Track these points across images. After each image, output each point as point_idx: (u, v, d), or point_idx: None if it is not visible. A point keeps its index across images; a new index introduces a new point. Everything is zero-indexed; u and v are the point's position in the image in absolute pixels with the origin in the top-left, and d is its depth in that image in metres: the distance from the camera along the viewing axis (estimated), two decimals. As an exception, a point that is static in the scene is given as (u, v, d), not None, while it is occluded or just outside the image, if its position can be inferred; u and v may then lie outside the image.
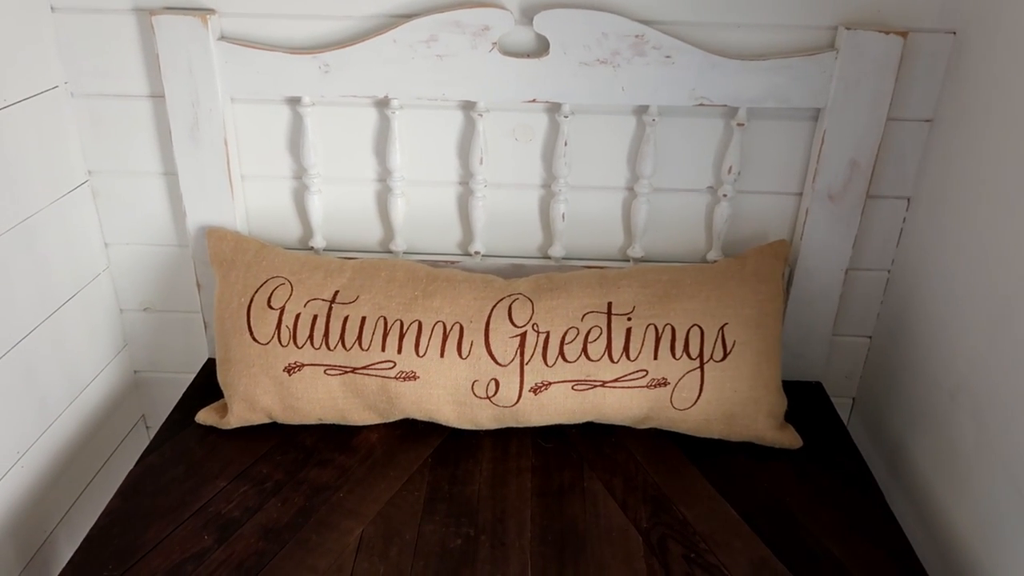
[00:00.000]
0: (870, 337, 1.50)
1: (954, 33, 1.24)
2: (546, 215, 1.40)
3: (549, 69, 1.25)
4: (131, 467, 1.22)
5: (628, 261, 1.42)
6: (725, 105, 1.27)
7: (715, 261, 1.39)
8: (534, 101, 1.27)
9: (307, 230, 1.42)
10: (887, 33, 1.20)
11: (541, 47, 1.25)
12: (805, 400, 1.42)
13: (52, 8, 1.25)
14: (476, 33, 1.23)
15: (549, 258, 1.42)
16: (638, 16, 1.23)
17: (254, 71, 1.26)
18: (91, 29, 1.27)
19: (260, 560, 1.06)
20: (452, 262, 1.40)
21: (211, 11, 1.25)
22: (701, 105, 1.27)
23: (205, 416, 1.30)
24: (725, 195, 1.35)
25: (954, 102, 1.25)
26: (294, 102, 1.31)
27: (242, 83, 1.27)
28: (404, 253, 1.42)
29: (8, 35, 1.17)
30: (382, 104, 1.31)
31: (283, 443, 1.27)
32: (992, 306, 1.12)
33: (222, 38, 1.26)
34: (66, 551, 1.34)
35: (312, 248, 1.41)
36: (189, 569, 1.05)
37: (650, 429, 1.30)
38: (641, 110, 1.30)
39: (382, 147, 1.35)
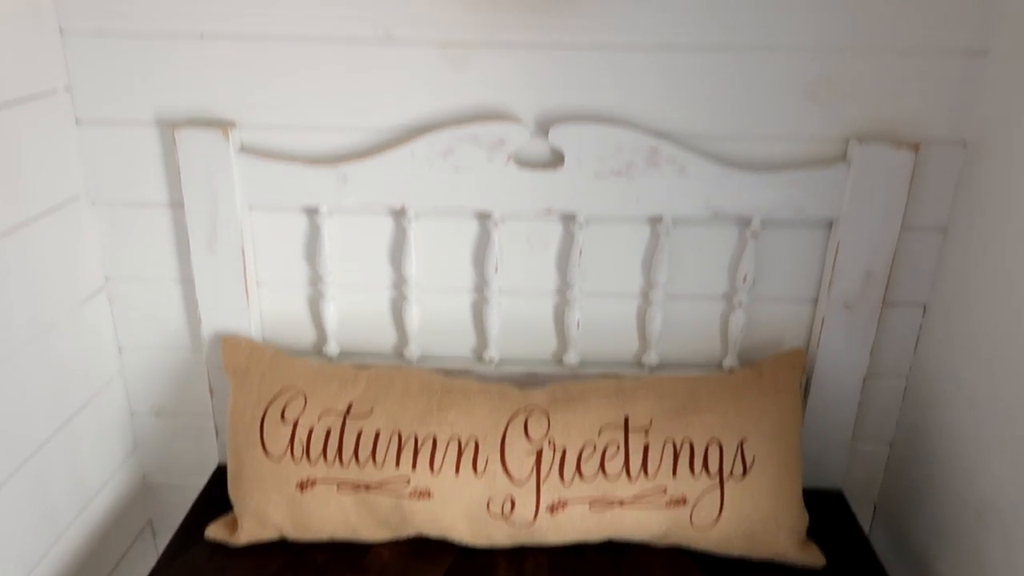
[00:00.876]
0: (890, 445, 1.47)
1: (964, 144, 1.25)
2: (561, 322, 1.39)
3: (564, 180, 1.26)
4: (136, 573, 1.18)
5: (644, 368, 1.40)
6: (739, 215, 1.27)
7: (731, 368, 1.38)
8: (549, 211, 1.28)
9: (321, 336, 1.41)
10: (898, 146, 1.21)
11: (556, 159, 1.27)
12: (826, 510, 1.38)
13: (77, 120, 1.28)
14: (492, 146, 1.24)
15: (563, 364, 1.40)
16: (652, 129, 1.25)
17: (273, 181, 1.28)
18: (113, 141, 1.29)
19: None
20: (467, 370, 1.39)
21: (232, 124, 1.27)
22: (715, 216, 1.27)
23: (214, 532, 1.27)
24: (740, 303, 1.34)
25: (967, 211, 1.25)
26: (311, 211, 1.33)
27: (261, 192, 1.29)
28: (419, 359, 1.41)
29: (34, 148, 1.19)
30: (398, 213, 1.33)
31: (293, 562, 1.23)
32: (1012, 419, 1.10)
33: (242, 150, 1.28)
34: (67, 669, 1.30)
35: (326, 355, 1.40)
36: None
37: (670, 547, 1.27)
38: (656, 220, 1.31)
39: (398, 255, 1.35)
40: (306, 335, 1.42)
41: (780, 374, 1.29)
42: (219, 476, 1.41)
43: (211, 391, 1.40)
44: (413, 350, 1.39)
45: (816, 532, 1.28)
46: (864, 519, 1.52)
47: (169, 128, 1.28)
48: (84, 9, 1.22)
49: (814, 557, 1.24)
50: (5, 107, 1.12)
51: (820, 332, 1.34)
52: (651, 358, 1.39)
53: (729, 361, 1.39)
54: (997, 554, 1.13)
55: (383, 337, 1.42)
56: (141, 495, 1.53)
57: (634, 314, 1.39)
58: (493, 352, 1.39)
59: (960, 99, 1.23)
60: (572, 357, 1.39)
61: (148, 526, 1.56)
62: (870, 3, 1.18)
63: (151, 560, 1.48)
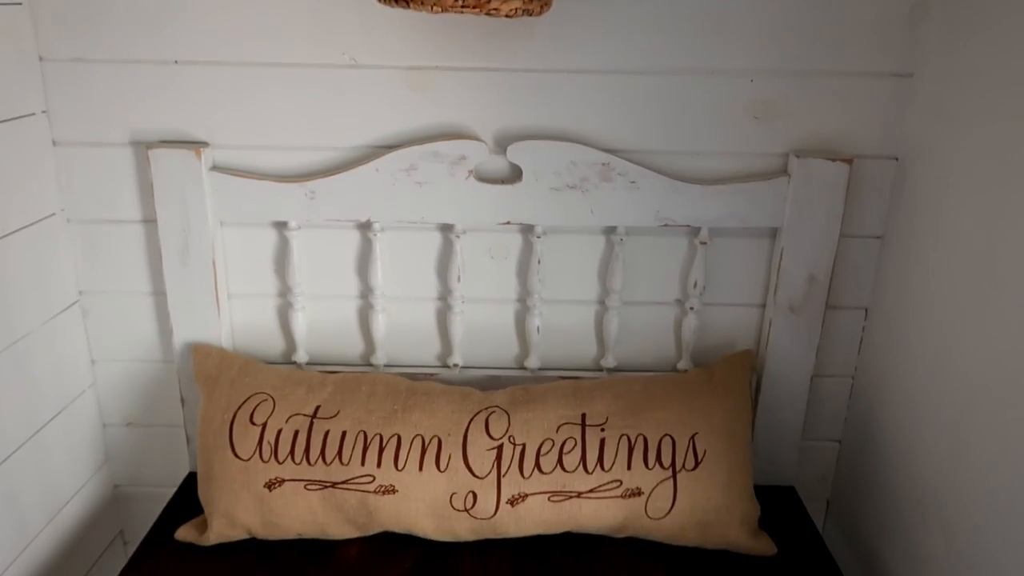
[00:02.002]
0: (839, 441, 1.54)
1: (896, 159, 1.35)
2: (522, 328, 1.46)
3: (522, 194, 1.33)
4: (107, 585, 1.22)
5: (602, 371, 1.47)
6: (688, 225, 1.35)
7: (685, 370, 1.44)
8: (508, 223, 1.35)
9: (291, 345, 1.46)
10: (834, 160, 1.30)
11: (514, 174, 1.34)
12: (779, 505, 1.45)
13: (54, 142, 1.33)
14: (454, 162, 1.31)
15: (525, 369, 1.46)
16: (604, 146, 1.33)
17: (244, 198, 1.34)
18: (89, 161, 1.35)
19: None
20: (431, 374, 1.44)
21: (204, 144, 1.33)
22: (666, 226, 1.35)
23: (184, 533, 1.30)
24: (692, 308, 1.41)
25: (901, 220, 1.34)
26: (281, 226, 1.38)
27: (232, 209, 1.34)
28: (385, 366, 1.46)
29: (12, 168, 1.24)
30: (364, 227, 1.39)
31: (262, 560, 1.27)
32: (949, 415, 1.17)
33: (214, 168, 1.34)
34: (37, 677, 1.31)
35: (295, 363, 1.45)
36: None
37: (628, 539, 1.32)
38: (610, 230, 1.38)
39: (364, 266, 1.41)
40: (276, 344, 1.47)
41: (730, 373, 1.36)
42: (189, 483, 1.45)
43: (182, 401, 1.44)
44: (380, 357, 1.45)
45: (769, 525, 1.34)
46: (818, 515, 1.59)
47: (143, 148, 1.34)
48: (62, 37, 1.28)
49: (765, 546, 1.30)
50: (-15, 126, 1.18)
51: (768, 334, 1.41)
52: (609, 361, 1.45)
53: (683, 363, 1.46)
54: (937, 542, 1.19)
55: (350, 345, 1.47)
56: (112, 505, 1.56)
57: (592, 320, 1.45)
58: (457, 358, 1.45)
59: (890, 118, 1.33)
60: (533, 362, 1.45)
61: (119, 536, 1.58)
62: (806, 30, 1.27)
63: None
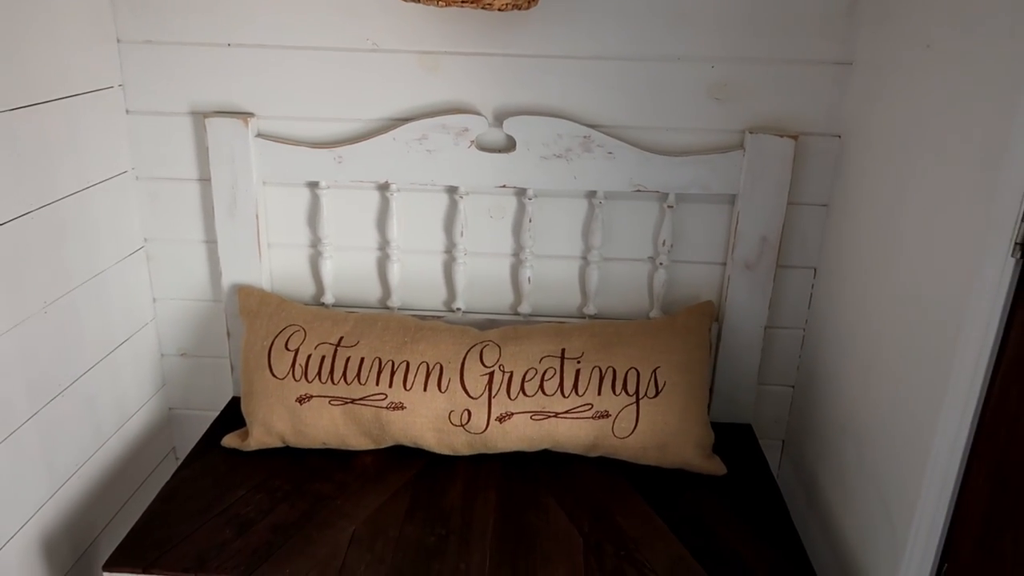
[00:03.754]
0: (793, 387, 1.76)
1: (839, 136, 1.56)
2: (516, 279, 1.70)
3: (516, 162, 1.57)
4: (155, 497, 1.47)
5: (584, 318, 1.70)
6: (658, 191, 1.58)
7: (655, 319, 1.67)
8: (504, 187, 1.59)
9: (319, 289, 1.72)
10: (782, 136, 1.52)
11: (510, 144, 1.57)
12: (735, 439, 1.67)
13: (127, 111, 1.60)
14: (458, 133, 1.55)
15: (519, 314, 1.70)
16: (586, 121, 1.56)
17: (282, 161, 1.59)
18: (155, 127, 1.61)
19: (270, 549, 1.32)
20: (438, 316, 1.69)
21: (251, 114, 1.58)
22: (638, 191, 1.58)
23: (229, 440, 1.57)
24: (661, 263, 1.64)
25: (843, 190, 1.55)
26: (313, 185, 1.64)
27: (272, 170, 1.60)
28: (399, 309, 1.71)
29: (94, 131, 1.50)
30: (383, 188, 1.63)
31: (293, 463, 1.53)
32: (866, 358, 1.39)
33: (258, 135, 1.59)
34: (107, 555, 1.58)
35: (323, 303, 1.71)
36: (214, 554, 1.30)
37: (598, 458, 1.55)
38: (591, 194, 1.62)
39: (382, 222, 1.66)
40: (307, 288, 1.72)
41: (692, 320, 1.59)
42: (232, 406, 1.71)
43: (228, 334, 1.70)
44: (394, 301, 1.69)
45: (725, 454, 1.56)
46: (774, 452, 1.81)
47: (200, 118, 1.60)
48: (136, 24, 1.54)
49: (716, 467, 1.53)
50: (74, 98, 1.44)
51: (727, 289, 1.64)
52: (590, 310, 1.69)
53: (654, 313, 1.68)
54: (852, 460, 1.41)
55: (370, 290, 1.72)
56: (167, 425, 1.83)
57: (576, 273, 1.69)
58: (459, 303, 1.69)
59: (832, 100, 1.54)
60: (525, 308, 1.69)
61: (172, 452, 1.86)
62: (760, 23, 1.49)
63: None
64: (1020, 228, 0.93)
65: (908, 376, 1.22)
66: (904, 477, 1.20)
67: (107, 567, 1.29)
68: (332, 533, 1.35)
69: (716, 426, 1.59)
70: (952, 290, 1.10)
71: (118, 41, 1.55)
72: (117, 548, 1.32)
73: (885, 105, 1.38)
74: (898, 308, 1.27)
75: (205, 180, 1.64)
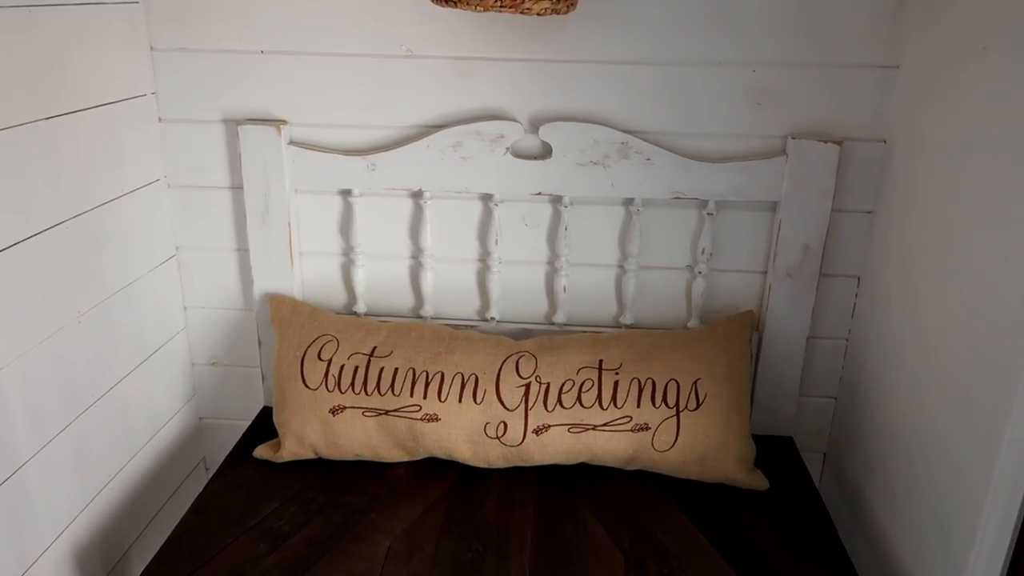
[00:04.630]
0: (835, 398, 1.72)
1: (884, 141, 1.52)
2: (551, 287, 1.67)
3: (552, 169, 1.54)
4: (191, 502, 1.45)
5: (620, 327, 1.67)
6: (697, 198, 1.54)
7: (694, 328, 1.63)
8: (540, 194, 1.56)
9: (351, 297, 1.70)
10: (825, 142, 1.48)
11: (545, 151, 1.55)
12: (776, 452, 1.63)
13: (160, 119, 1.59)
14: (493, 140, 1.53)
15: (553, 324, 1.67)
16: (624, 127, 1.53)
17: (315, 168, 1.57)
18: (188, 135, 1.60)
19: (305, 564, 1.29)
20: (472, 326, 1.66)
21: (284, 122, 1.57)
22: (677, 198, 1.54)
23: (261, 451, 1.55)
24: (700, 272, 1.60)
25: (889, 197, 1.51)
26: (346, 193, 1.62)
27: (305, 178, 1.58)
28: (432, 318, 1.69)
29: (127, 139, 1.50)
30: (416, 195, 1.61)
31: (326, 474, 1.51)
32: (917, 368, 1.34)
33: (291, 143, 1.58)
34: (138, 568, 1.57)
35: (355, 313, 1.68)
36: (248, 569, 1.28)
37: (636, 471, 1.52)
38: (628, 202, 1.58)
39: (416, 230, 1.64)
40: (339, 297, 1.70)
41: (732, 330, 1.55)
42: (263, 417, 1.70)
43: (259, 343, 1.69)
44: (427, 310, 1.67)
45: (766, 467, 1.52)
46: (816, 465, 1.76)
47: (233, 125, 1.59)
48: (169, 31, 1.53)
49: (759, 481, 1.49)
50: (108, 107, 1.43)
51: (768, 298, 1.60)
52: (626, 319, 1.65)
53: (692, 323, 1.65)
54: (902, 474, 1.37)
55: (402, 299, 1.70)
56: (197, 435, 1.82)
57: (612, 281, 1.65)
58: (494, 312, 1.67)
59: (877, 104, 1.50)
60: (560, 317, 1.66)
61: (202, 462, 1.84)
62: (802, 26, 1.45)
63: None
64: (1094, 237, 0.88)
65: (969, 387, 1.17)
66: (962, 494, 1.16)
67: (141, 581, 1.27)
68: (367, 547, 1.33)
69: (757, 439, 1.55)
70: (1017, 299, 1.05)
71: (151, 49, 1.54)
72: (152, 561, 1.30)
73: (935, 109, 1.34)
74: (957, 316, 1.23)
75: (237, 188, 1.63)
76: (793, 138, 1.49)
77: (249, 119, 1.58)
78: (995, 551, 1.04)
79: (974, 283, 1.18)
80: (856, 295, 1.63)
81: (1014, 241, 1.07)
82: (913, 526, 1.31)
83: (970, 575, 1.09)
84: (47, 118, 1.26)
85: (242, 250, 1.67)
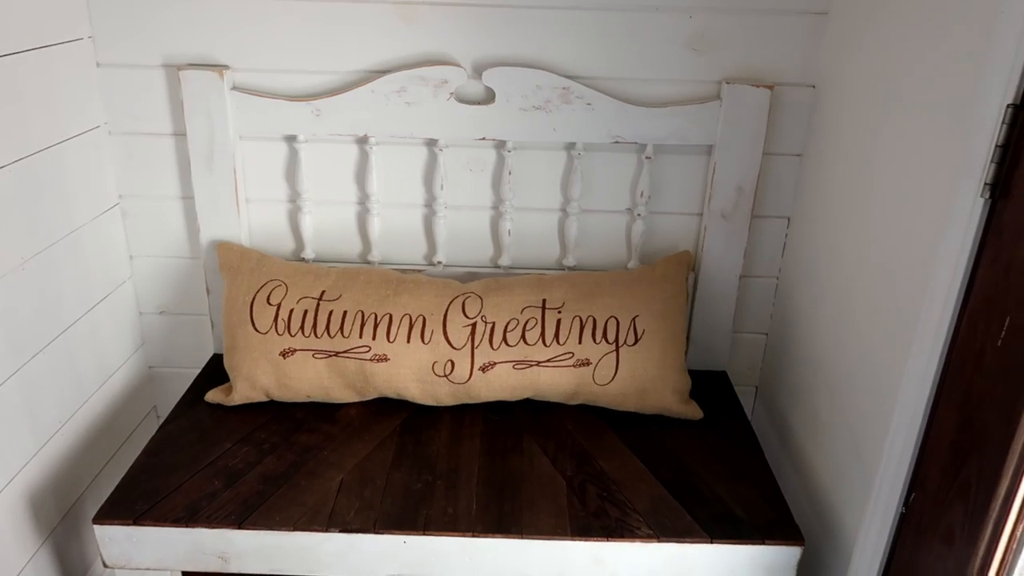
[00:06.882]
0: (766, 334, 1.81)
1: (814, 86, 1.58)
2: (495, 232, 1.71)
3: (495, 114, 1.57)
4: (144, 447, 1.47)
5: (563, 270, 1.72)
6: (636, 142, 1.59)
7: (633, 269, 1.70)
8: (484, 139, 1.59)
9: (299, 244, 1.72)
10: (757, 86, 1.54)
11: (489, 96, 1.57)
12: (711, 386, 1.72)
13: (98, 64, 1.56)
14: (437, 85, 1.55)
15: (498, 267, 1.72)
16: (565, 72, 1.56)
17: (259, 114, 1.57)
18: (128, 80, 1.58)
19: (261, 498, 1.33)
20: (419, 270, 1.70)
21: (226, 67, 1.56)
22: (617, 142, 1.59)
23: (213, 395, 1.57)
24: (639, 215, 1.66)
25: (817, 140, 1.58)
26: (291, 139, 1.62)
27: (249, 124, 1.58)
28: (379, 263, 1.72)
29: (65, 85, 1.47)
30: (362, 141, 1.63)
31: (278, 416, 1.54)
32: (838, 303, 1.43)
33: (234, 88, 1.57)
34: (92, 513, 1.59)
35: (303, 259, 1.70)
36: (204, 504, 1.32)
37: (579, 405, 1.59)
38: (569, 146, 1.63)
39: (362, 176, 1.66)
40: (286, 244, 1.72)
41: (669, 269, 1.62)
42: (214, 364, 1.72)
43: (208, 291, 1.70)
44: (375, 255, 1.70)
45: (701, 400, 1.61)
46: (748, 398, 1.86)
47: (174, 70, 1.57)
48: (103, -29, 1.50)
49: (693, 411, 1.57)
50: (43, 50, 1.41)
51: (704, 239, 1.67)
52: (569, 261, 1.71)
53: (633, 264, 1.71)
54: (824, 401, 1.46)
55: (350, 245, 1.72)
56: (147, 383, 1.83)
57: (555, 225, 1.70)
58: (440, 256, 1.70)
59: (808, 50, 1.56)
60: (505, 261, 1.71)
61: (153, 411, 1.86)
62: (736, -28, 1.50)
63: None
64: (989, 168, 0.96)
65: (881, 317, 1.26)
66: (874, 413, 1.26)
67: (97, 519, 1.30)
68: (321, 482, 1.38)
69: (692, 373, 1.63)
70: (924, 233, 1.13)
71: (86, -9, 1.52)
72: (106, 501, 1.33)
73: (859, 54, 1.41)
74: (871, 253, 1.31)
75: (180, 135, 1.62)
76: (727, 83, 1.55)
77: (190, 64, 1.57)
78: (901, 459, 1.13)
79: (887, 221, 1.26)
80: (786, 235, 1.71)
81: (923, 180, 1.15)
82: (834, 450, 1.41)
83: (879, 483, 1.18)
84: (-20, 60, 1.24)
85: (187, 198, 1.67)
